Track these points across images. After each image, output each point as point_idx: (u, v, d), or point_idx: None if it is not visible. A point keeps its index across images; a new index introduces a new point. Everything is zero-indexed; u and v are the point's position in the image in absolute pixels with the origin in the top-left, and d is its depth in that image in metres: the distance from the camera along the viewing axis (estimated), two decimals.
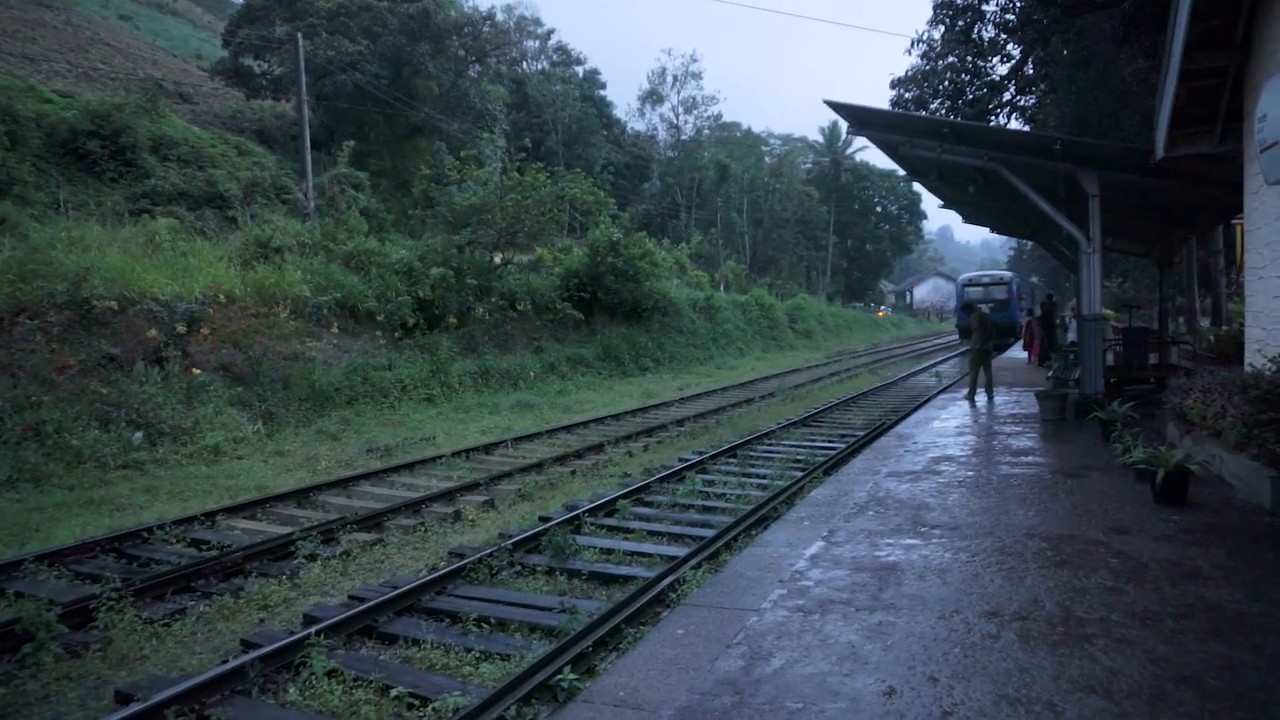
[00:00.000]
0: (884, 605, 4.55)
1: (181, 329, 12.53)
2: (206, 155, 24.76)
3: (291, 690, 4.57)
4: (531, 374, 19.29)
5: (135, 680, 4.69)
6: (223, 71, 33.23)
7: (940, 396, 15.72)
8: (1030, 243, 47.35)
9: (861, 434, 12.67)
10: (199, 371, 12.44)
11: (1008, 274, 36.26)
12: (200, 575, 6.37)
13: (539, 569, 6.57)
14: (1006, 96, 18.47)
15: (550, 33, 53.26)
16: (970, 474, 8.04)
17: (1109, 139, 14.25)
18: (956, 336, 42.39)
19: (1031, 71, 17.62)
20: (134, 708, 4.14)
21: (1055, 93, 16.75)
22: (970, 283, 34.89)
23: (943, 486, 7.51)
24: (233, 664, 4.60)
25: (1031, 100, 18.71)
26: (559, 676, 4.45)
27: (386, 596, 5.63)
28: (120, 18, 41.77)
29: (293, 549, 6.93)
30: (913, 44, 18.34)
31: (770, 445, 12.06)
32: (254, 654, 4.71)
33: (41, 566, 6.52)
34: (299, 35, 24.55)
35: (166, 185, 21.89)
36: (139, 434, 10.61)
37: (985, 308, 27.62)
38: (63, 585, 6.29)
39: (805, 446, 11.93)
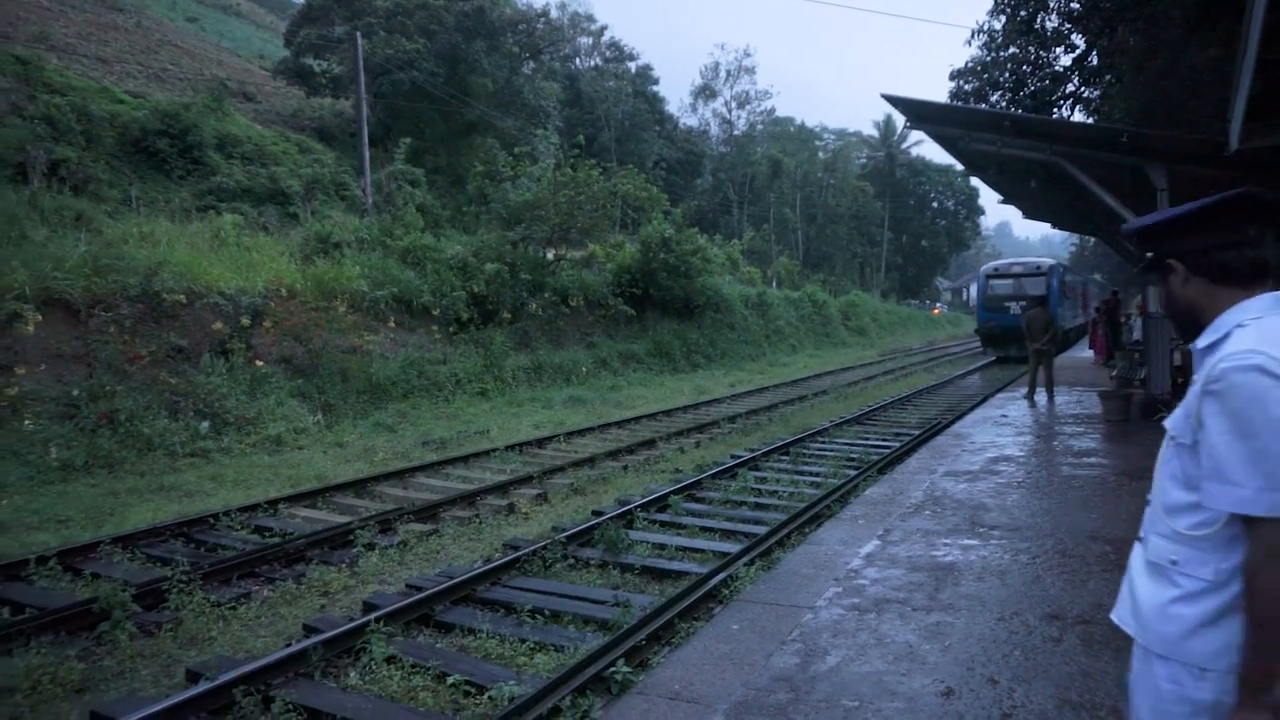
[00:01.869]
0: (941, 605, 4.49)
1: (245, 322, 12.87)
2: (269, 153, 25.38)
3: (352, 674, 4.69)
4: (583, 369, 19.40)
5: (204, 660, 4.85)
6: (284, 71, 34.02)
7: (998, 395, 15.40)
8: (1093, 239, 46.08)
9: (917, 433, 12.47)
10: (262, 363, 12.78)
11: (1047, 261, 27.91)
12: (264, 561, 6.56)
13: (592, 562, 6.62)
14: (1070, 88, 17.99)
15: (603, 29, 53.39)
16: (1030, 475, 7.87)
17: (1178, 131, 13.78)
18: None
19: (1096, 62, 17.12)
20: (203, 686, 4.28)
21: (1121, 83, 16.25)
22: (996, 273, 27.49)
23: (1001, 487, 7.37)
24: (296, 647, 4.73)
25: (1096, 92, 18.19)
26: (613, 669, 4.48)
27: (443, 586, 5.73)
28: (188, 20, 43.04)
29: (352, 538, 7.09)
30: (973, 35, 17.98)
31: (823, 443, 11.96)
32: (316, 638, 4.84)
33: (116, 549, 6.78)
34: (358, 34, 25.02)
35: (231, 182, 22.50)
36: (205, 423, 10.95)
37: (1016, 307, 24.41)
38: (136, 567, 6.54)
39: (859, 444, 11.80)
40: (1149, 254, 1.82)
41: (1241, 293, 1.68)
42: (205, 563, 6.35)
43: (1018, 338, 24.06)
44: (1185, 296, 1.77)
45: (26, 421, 9.67)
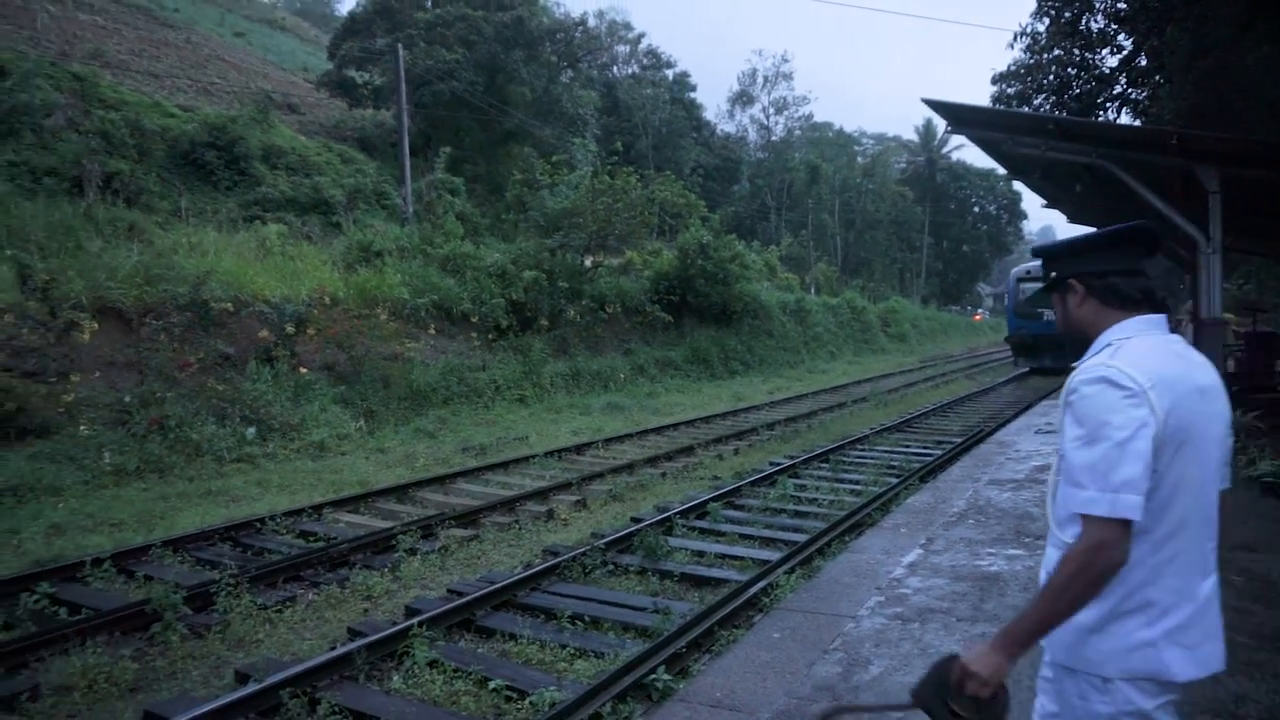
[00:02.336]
0: (987, 616, 4.41)
1: (290, 330, 13.12)
2: (312, 163, 25.86)
3: (396, 678, 4.74)
4: (621, 376, 19.44)
5: (252, 661, 4.94)
6: (327, 83, 34.66)
7: (1042, 403, 15.13)
8: None
9: (959, 440, 12.30)
10: (305, 370, 13.00)
11: None
12: (309, 565, 6.67)
13: (631, 569, 6.62)
14: (1116, 90, 17.65)
15: (641, 37, 53.60)
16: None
17: (1230, 132, 13.44)
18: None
19: (1144, 63, 16.79)
20: (251, 687, 4.37)
21: (1169, 84, 15.91)
22: (1029, 276, 24.72)
23: (1046, 495, 7.23)
24: (341, 650, 4.80)
25: (1143, 93, 17.82)
26: (653, 676, 4.48)
27: (484, 591, 5.77)
28: (235, 34, 44.07)
29: (394, 543, 7.17)
30: (1016, 38, 17.73)
31: (864, 450, 11.84)
32: (360, 642, 4.91)
33: (167, 552, 6.94)
34: (399, 46, 25.41)
35: (276, 192, 22.96)
36: (252, 429, 11.17)
37: (1050, 313, 24.54)
38: (186, 570, 6.69)
39: (900, 452, 11.66)
40: (1053, 273, 1.95)
41: (1124, 315, 1.80)
42: (252, 566, 6.47)
43: (1052, 346, 22.38)
44: (1079, 316, 1.89)
45: (82, 427, 9.96)
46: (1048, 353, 23.11)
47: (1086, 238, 1.90)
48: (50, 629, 5.18)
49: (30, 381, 9.90)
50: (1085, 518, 1.61)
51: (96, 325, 11.11)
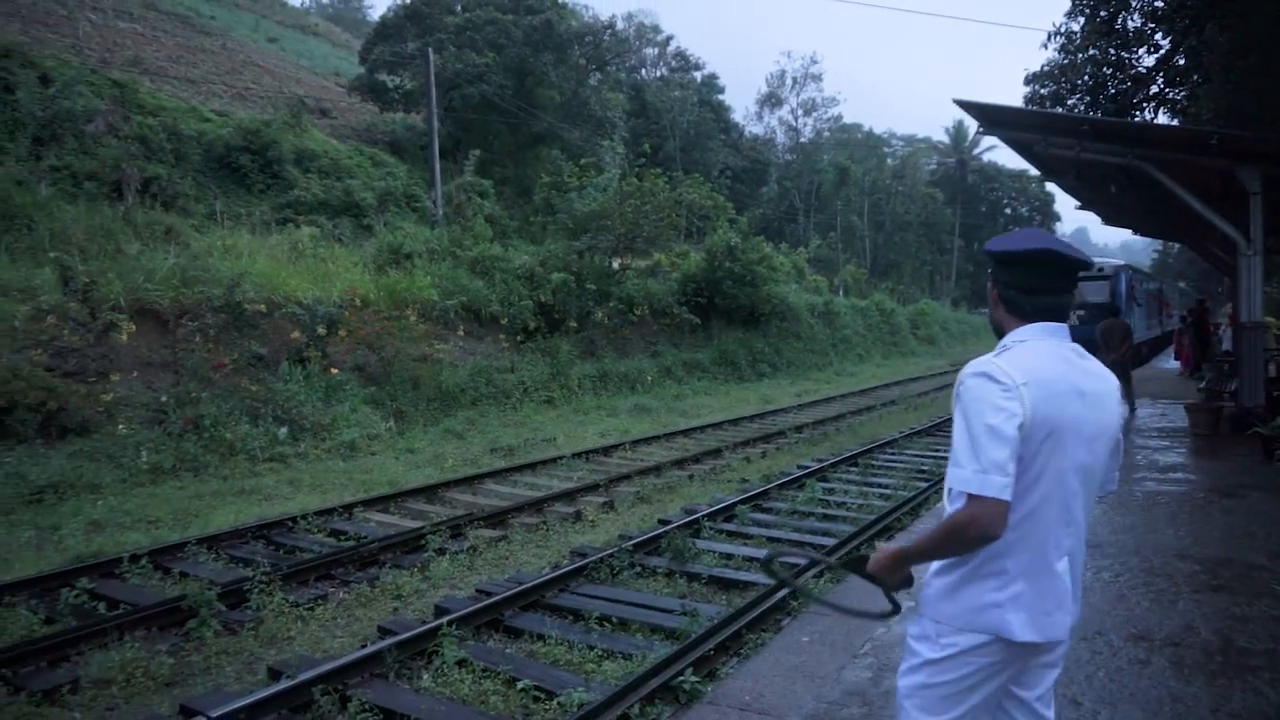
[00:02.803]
0: None
1: (321, 331, 13.28)
2: (344, 166, 26.17)
3: (425, 677, 4.78)
4: (649, 378, 19.45)
5: (284, 658, 5.01)
6: (359, 87, 35.04)
7: None
8: (1177, 245, 44.24)
9: None
10: (336, 371, 13.15)
11: (1112, 262, 23.50)
12: (339, 564, 6.74)
13: (659, 571, 6.62)
14: (1153, 90, 17.35)
15: (669, 39, 53.68)
16: (1111, 489, 7.59)
17: (1271, 132, 13.16)
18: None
19: (1182, 62, 16.48)
20: (284, 684, 4.43)
21: (1209, 84, 15.61)
22: None
23: None
24: (371, 649, 4.85)
25: (1181, 93, 17.50)
26: (680, 678, 4.48)
27: (512, 592, 5.81)
28: (269, 40, 44.70)
29: (423, 542, 7.23)
30: (1049, 37, 17.48)
31: (893, 454, 11.75)
32: (391, 640, 4.96)
33: (201, 549, 7.05)
34: (429, 50, 25.64)
35: (308, 196, 23.26)
36: (284, 429, 11.32)
37: (1074, 316, 22.98)
38: (219, 567, 6.79)
39: (930, 456, 11.55)
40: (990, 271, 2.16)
41: (1023, 322, 2.04)
42: (284, 564, 6.56)
43: None
44: (996, 316, 2.13)
45: (120, 426, 10.15)
46: None
47: (1002, 251, 2.07)
48: (90, 624, 5.29)
49: (71, 381, 10.12)
50: (966, 493, 1.82)
51: (134, 326, 11.33)
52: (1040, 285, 2.02)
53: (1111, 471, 2.08)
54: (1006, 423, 1.82)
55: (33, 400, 9.46)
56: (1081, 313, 19.94)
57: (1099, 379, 1.98)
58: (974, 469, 1.80)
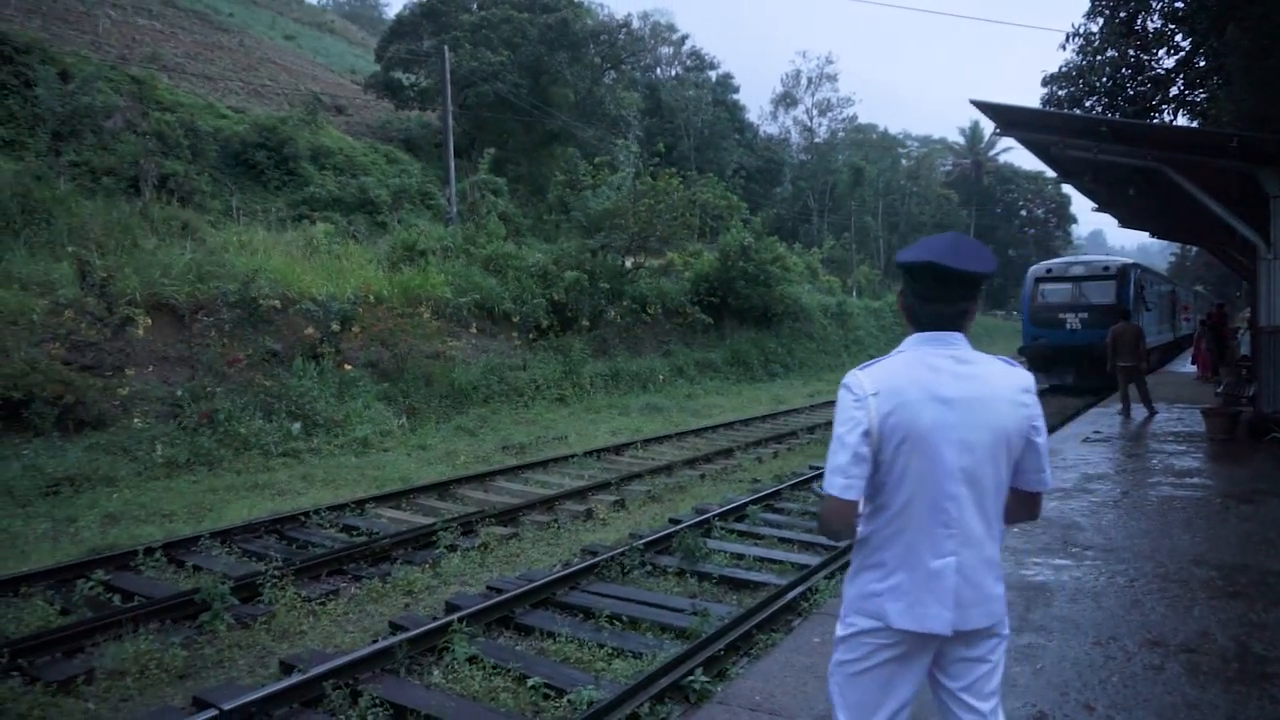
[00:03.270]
0: (1032, 626, 4.33)
1: (335, 327, 13.34)
2: (359, 164, 26.28)
3: (435, 673, 4.80)
4: (660, 377, 19.45)
5: (296, 652, 5.04)
6: (374, 85, 35.19)
7: (1091, 410, 14.78)
8: (1195, 248, 43.82)
9: None
10: (350, 367, 13.21)
11: (1117, 260, 21.19)
12: (351, 559, 6.77)
13: (669, 570, 6.62)
14: (1173, 92, 17.18)
15: (684, 38, 53.59)
16: (1126, 494, 7.53)
17: None
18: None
19: (1203, 64, 16.32)
20: (296, 678, 4.45)
21: (1230, 86, 15.45)
22: (1049, 276, 20.46)
23: (1095, 506, 7.08)
24: (382, 644, 4.87)
25: (1201, 95, 17.33)
26: (690, 678, 4.48)
27: (523, 589, 5.81)
28: (285, 38, 44.95)
29: (434, 539, 7.26)
30: (1068, 38, 17.33)
31: None
32: (401, 636, 4.97)
33: (215, 543, 7.11)
34: (445, 48, 25.70)
35: (323, 192, 23.38)
36: (297, 425, 11.38)
37: (1074, 320, 18.97)
38: (233, 561, 6.83)
39: None
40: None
41: (914, 330, 2.14)
42: (297, 559, 6.60)
43: (1076, 360, 18.56)
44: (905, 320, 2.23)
45: (136, 420, 10.23)
46: (1071, 367, 19.19)
47: (899, 262, 2.18)
48: (105, 615, 5.33)
49: (88, 375, 10.20)
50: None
51: (150, 321, 11.41)
52: (931, 294, 2.09)
53: (1035, 472, 2.12)
54: (850, 432, 2.01)
55: (50, 393, 9.55)
56: (1084, 316, 18.74)
57: (979, 383, 2.04)
58: (827, 470, 2.04)
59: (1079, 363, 18.57)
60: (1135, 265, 20.78)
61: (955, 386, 2.03)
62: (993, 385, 2.05)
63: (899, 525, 2.04)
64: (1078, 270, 20.15)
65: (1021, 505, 2.19)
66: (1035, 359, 19.63)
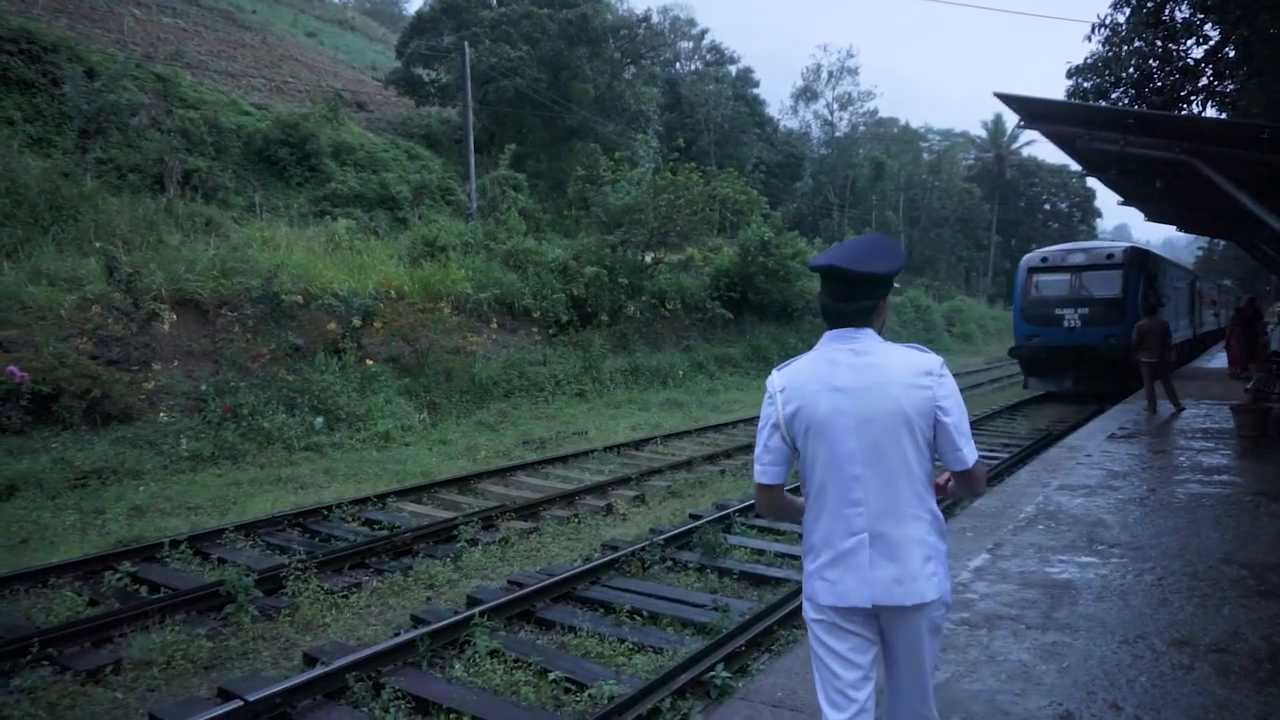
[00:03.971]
0: (1058, 625, 4.28)
1: (357, 323, 13.42)
2: (380, 160, 26.39)
3: (457, 666, 4.82)
4: (680, 372, 19.42)
5: (319, 644, 5.07)
6: (395, 81, 35.30)
7: (1116, 407, 14.61)
8: (1223, 242, 43.15)
9: (1027, 443, 11.97)
10: (371, 363, 13.30)
11: (1121, 246, 18.34)
12: (373, 553, 6.82)
13: (690, 565, 6.61)
14: (1202, 83, 16.90)
15: (704, 33, 53.37)
16: (1153, 491, 7.43)
17: None
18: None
19: (1232, 54, 16.03)
20: (319, 670, 4.48)
21: (1260, 76, 15.17)
22: (1045, 265, 17.73)
23: (1121, 503, 6.99)
24: (405, 637, 4.89)
25: (1231, 86, 17.03)
26: (712, 674, 4.47)
27: (544, 583, 5.83)
28: (307, 35, 45.20)
29: (455, 533, 7.29)
30: (1093, 29, 17.09)
31: None
32: (423, 629, 5.00)
33: (239, 536, 7.17)
34: (465, 44, 25.76)
35: (345, 188, 23.50)
36: (320, 419, 11.46)
37: (1074, 316, 16.61)
38: (257, 554, 6.90)
39: None
40: None
41: (828, 328, 2.34)
42: (319, 552, 6.65)
43: (1074, 363, 16.54)
44: None
45: (161, 414, 10.36)
46: (1069, 371, 16.89)
47: (810, 266, 2.44)
48: (132, 606, 5.40)
49: (114, 369, 10.33)
50: None
51: (175, 316, 11.54)
52: (836, 294, 2.28)
53: (951, 451, 2.24)
54: (763, 426, 2.30)
55: (78, 388, 9.68)
56: (1085, 312, 16.48)
57: (875, 371, 2.20)
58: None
59: (1079, 366, 16.58)
60: (1145, 251, 18.22)
61: (850, 377, 2.20)
62: (888, 373, 2.20)
63: (818, 508, 2.26)
64: (1077, 258, 17.41)
65: (959, 484, 2.34)
66: (1029, 362, 17.62)
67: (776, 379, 2.31)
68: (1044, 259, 17.97)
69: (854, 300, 2.26)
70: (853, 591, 2.17)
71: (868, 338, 2.27)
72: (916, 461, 2.19)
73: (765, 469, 2.30)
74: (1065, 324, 16.76)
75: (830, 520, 2.22)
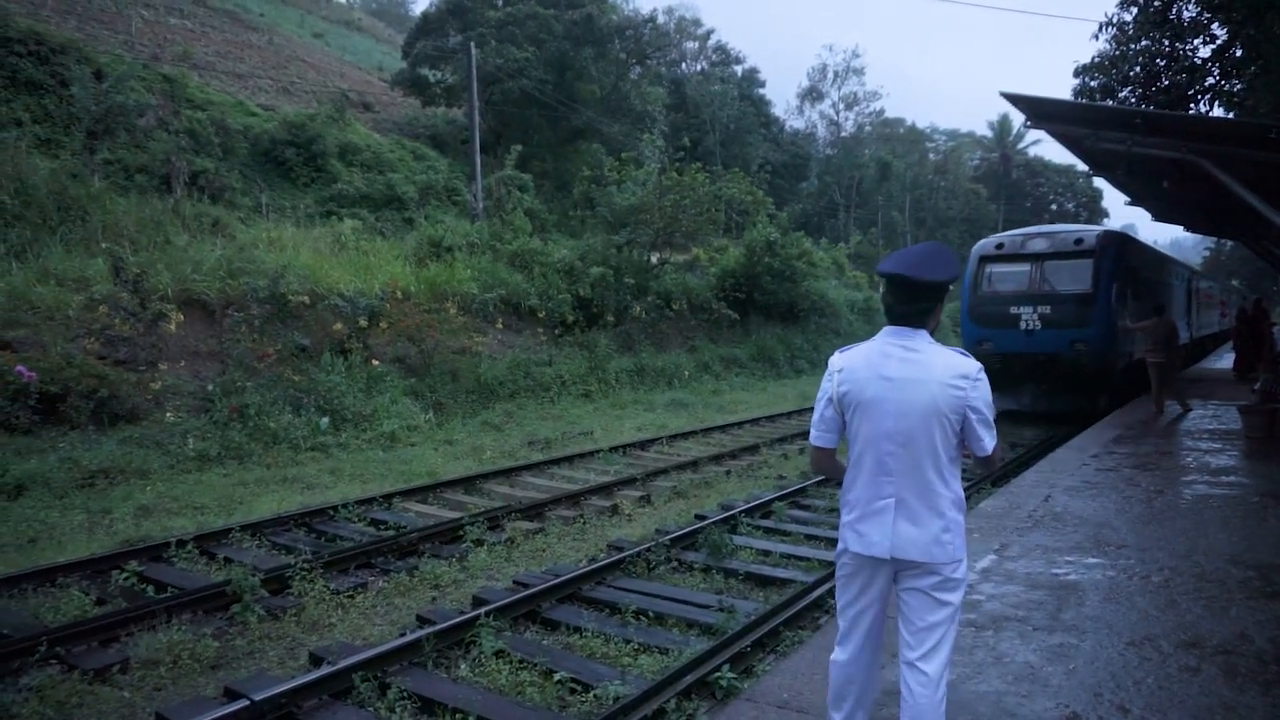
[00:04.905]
0: (1064, 626, 4.27)
1: (363, 323, 13.45)
2: (386, 160, 26.45)
3: (463, 666, 4.82)
4: (686, 373, 19.41)
5: (325, 644, 5.08)
6: (401, 82, 35.39)
7: (1120, 410, 14.55)
8: (1230, 242, 42.93)
9: (1033, 444, 11.93)
10: (377, 363, 13.32)
11: (1091, 230, 14.90)
12: (379, 553, 6.83)
13: (695, 566, 6.61)
14: (1209, 82, 16.82)
15: (710, 33, 53.38)
16: (1160, 492, 7.41)
17: None
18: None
19: (1240, 53, 15.96)
20: (325, 669, 4.49)
21: (1268, 75, 15.11)
22: (1000, 254, 14.38)
23: (1128, 503, 6.97)
24: (410, 637, 4.90)
25: (1239, 85, 16.95)
26: (717, 674, 4.47)
27: (549, 584, 5.83)
28: (314, 35, 45.32)
29: (461, 533, 7.30)
30: (1100, 28, 17.02)
31: None
32: (429, 629, 5.01)
33: (245, 535, 7.19)
34: (471, 45, 25.78)
35: (351, 189, 23.56)
36: (326, 419, 11.48)
37: (1032, 316, 13.37)
38: (263, 554, 6.91)
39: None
40: None
41: (888, 324, 2.70)
42: (325, 552, 6.66)
43: (1037, 374, 13.46)
44: None
45: (168, 414, 10.39)
46: (1028, 385, 13.70)
47: (878, 271, 2.80)
48: (139, 606, 5.42)
49: (121, 369, 10.37)
50: None
51: (182, 316, 11.57)
52: (897, 297, 2.65)
53: (975, 440, 2.62)
54: (822, 397, 2.75)
55: (85, 388, 9.71)
56: (1046, 311, 13.35)
57: (919, 368, 2.57)
58: (811, 424, 2.83)
59: (1039, 379, 13.55)
60: (1123, 236, 14.98)
61: (897, 369, 2.59)
62: (930, 370, 2.56)
63: (856, 473, 2.69)
64: (1038, 245, 14.10)
65: (978, 463, 2.74)
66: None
67: (837, 359, 2.74)
68: (1000, 246, 14.54)
69: (912, 303, 2.62)
70: (876, 544, 2.61)
71: (919, 338, 2.62)
72: (943, 447, 2.57)
73: (820, 434, 2.77)
74: (1022, 325, 13.60)
75: (865, 484, 2.65)
